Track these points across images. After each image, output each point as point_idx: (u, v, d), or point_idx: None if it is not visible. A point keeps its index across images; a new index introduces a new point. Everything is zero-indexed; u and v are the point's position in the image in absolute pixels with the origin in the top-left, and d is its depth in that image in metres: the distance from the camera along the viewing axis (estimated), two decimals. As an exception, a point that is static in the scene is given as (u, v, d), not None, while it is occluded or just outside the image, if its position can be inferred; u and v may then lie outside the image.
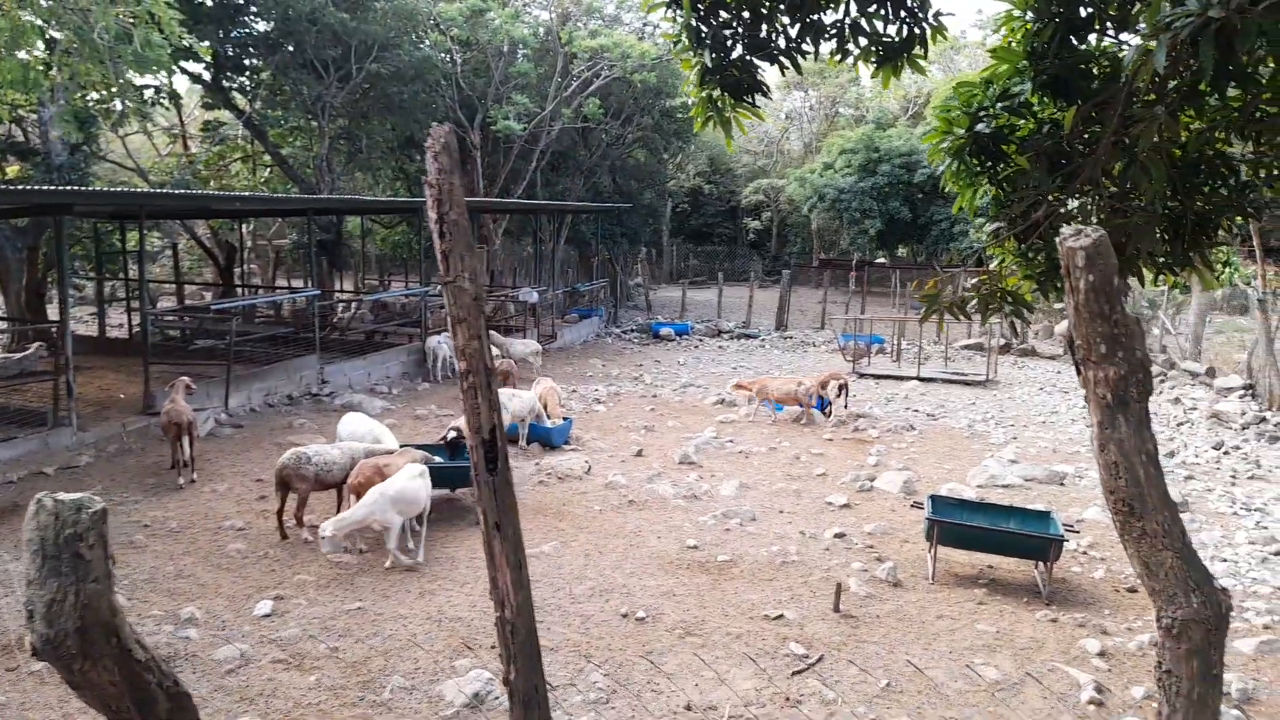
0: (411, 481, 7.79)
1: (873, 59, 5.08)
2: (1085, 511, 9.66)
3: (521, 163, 26.90)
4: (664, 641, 6.45)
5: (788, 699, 5.66)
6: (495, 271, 27.65)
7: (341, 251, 26.76)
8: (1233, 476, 11.34)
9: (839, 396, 14.33)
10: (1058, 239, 2.80)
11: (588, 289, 26.88)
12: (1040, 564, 7.69)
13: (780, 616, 6.84)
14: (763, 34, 4.91)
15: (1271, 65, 4.40)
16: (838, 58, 4.99)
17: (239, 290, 22.54)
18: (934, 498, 8.43)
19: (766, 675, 5.94)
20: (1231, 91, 4.73)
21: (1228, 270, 27.49)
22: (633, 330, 25.01)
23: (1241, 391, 15.95)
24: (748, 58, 4.88)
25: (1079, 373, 2.88)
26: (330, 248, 23.86)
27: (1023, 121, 5.30)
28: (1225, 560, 8.33)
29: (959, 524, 7.79)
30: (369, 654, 6.12)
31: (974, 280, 5.77)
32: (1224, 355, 19.65)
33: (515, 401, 11.24)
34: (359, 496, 7.88)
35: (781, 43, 4.91)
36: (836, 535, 8.67)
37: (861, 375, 18.85)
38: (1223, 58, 4.29)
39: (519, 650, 2.97)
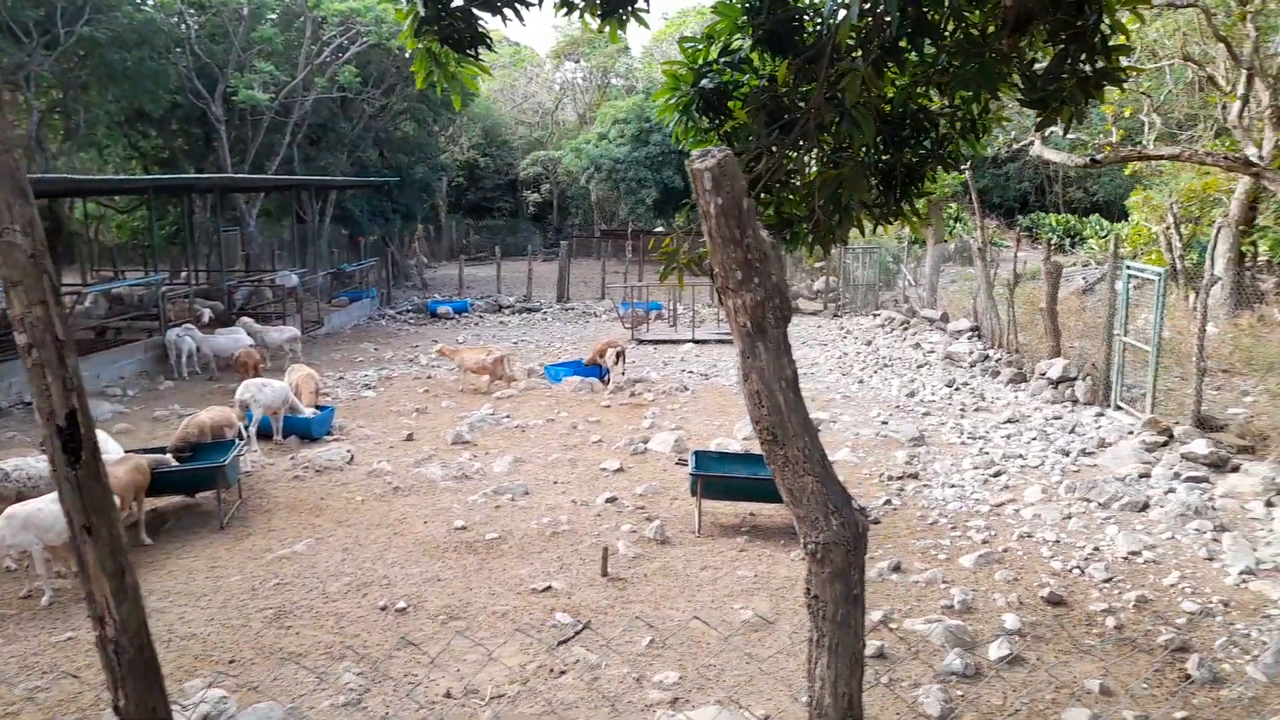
0: (53, 505, 6.75)
1: (597, 12, 4.96)
2: (838, 453, 10.30)
3: (275, 136, 24.93)
4: (426, 629, 6.17)
5: (551, 670, 5.57)
6: (251, 255, 25.59)
7: (64, 240, 23.73)
8: (962, 410, 12.54)
9: (617, 363, 14.48)
10: (688, 165, 2.76)
11: (356, 269, 25.51)
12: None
13: (548, 588, 6.74)
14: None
15: (953, 24, 4.67)
16: (562, 10, 4.83)
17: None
18: (698, 453, 8.66)
19: (532, 650, 5.82)
20: (929, 48, 4.99)
21: (957, 225, 30.50)
22: (409, 311, 24.06)
23: (970, 333, 17.72)
24: (468, 7, 4.59)
25: (720, 302, 2.88)
26: (48, 236, 21.05)
27: (745, 77, 5.37)
28: (954, 485, 9.17)
29: (720, 476, 8.04)
30: (79, 690, 5.38)
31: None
32: (957, 302, 21.72)
33: (265, 392, 10.38)
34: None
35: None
36: (608, 500, 8.71)
37: (641, 341, 19.18)
38: (911, 13, 4.52)
39: (128, 672, 2.56)
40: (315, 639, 6.05)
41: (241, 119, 24.41)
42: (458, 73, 4.89)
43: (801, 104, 5.08)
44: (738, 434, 11.14)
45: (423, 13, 4.48)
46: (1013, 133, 21.12)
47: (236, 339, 15.24)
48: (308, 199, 26.23)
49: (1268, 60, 17.68)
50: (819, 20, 5.04)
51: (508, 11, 4.76)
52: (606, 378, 14.38)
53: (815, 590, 2.86)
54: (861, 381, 14.83)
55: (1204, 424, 10.18)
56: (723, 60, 5.26)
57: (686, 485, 8.66)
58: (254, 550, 7.54)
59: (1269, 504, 8.06)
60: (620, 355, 14.57)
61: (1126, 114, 21.31)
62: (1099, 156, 17.64)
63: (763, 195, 5.59)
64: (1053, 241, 22.76)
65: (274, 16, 25.25)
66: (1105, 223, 32.70)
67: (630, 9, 5.00)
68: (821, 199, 5.17)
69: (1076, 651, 5.77)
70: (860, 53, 4.70)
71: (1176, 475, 8.95)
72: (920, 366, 15.90)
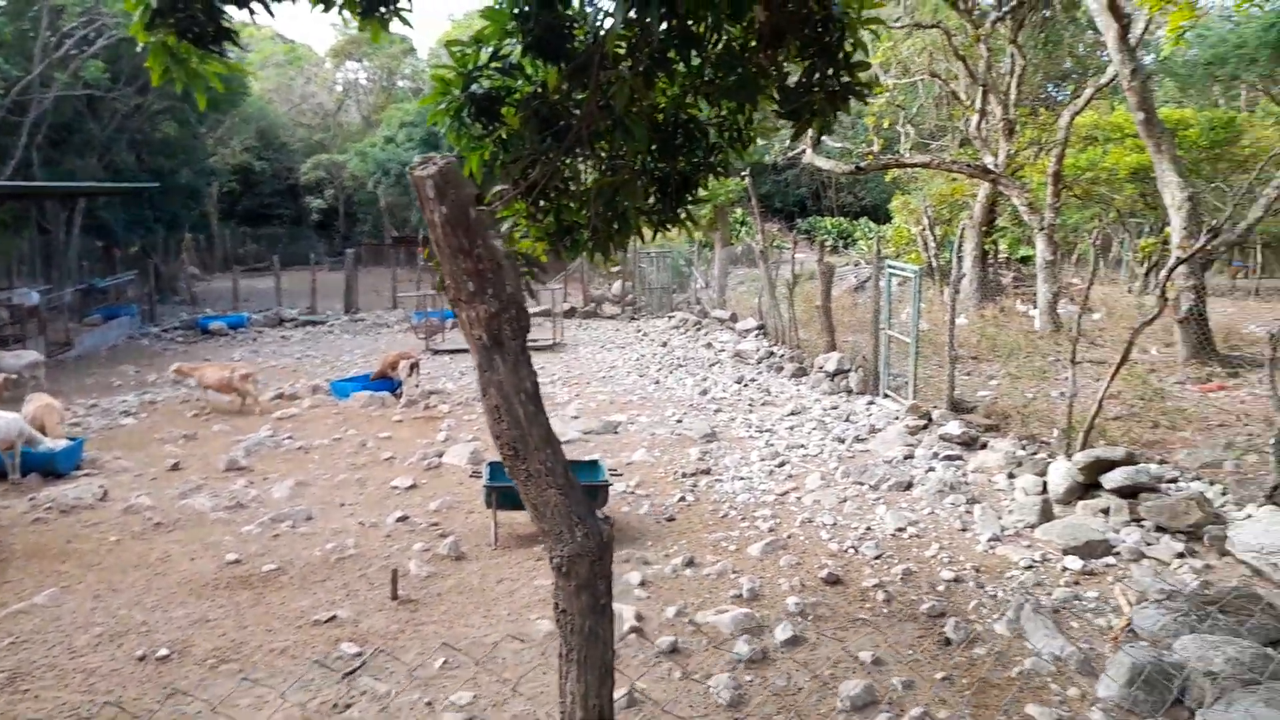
0: None
1: (357, 10, 4.71)
2: (634, 455, 10.49)
3: (8, 138, 22.07)
4: (194, 676, 5.62)
5: (336, 705, 5.24)
6: (-18, 271, 22.55)
7: None
8: (750, 405, 13.14)
9: (410, 375, 13.98)
10: (409, 173, 2.68)
11: (112, 284, 23.09)
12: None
13: (333, 618, 6.35)
14: (228, -27, 4.26)
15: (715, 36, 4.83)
16: (319, 6, 4.53)
17: None
18: (492, 464, 8.48)
19: (315, 686, 5.45)
20: (696, 59, 5.12)
21: (742, 229, 32.04)
22: (177, 328, 22.06)
23: (756, 332, 18.65)
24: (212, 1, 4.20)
25: (455, 316, 2.82)
26: None
27: (518, 83, 5.29)
28: (743, 478, 9.56)
29: (514, 486, 7.90)
30: None
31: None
32: (744, 302, 22.80)
33: (-8, 427, 9.12)
34: None
35: (252, -16, 4.31)
36: (399, 519, 8.35)
37: (436, 352, 18.66)
38: (675, 24, 4.61)
39: None
40: (59, 700, 5.35)
41: (-39, 118, 21.44)
42: (201, 70, 4.48)
43: (575, 111, 5.08)
44: (536, 441, 11.06)
45: (154, 4, 4.06)
46: (787, 141, 22.49)
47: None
48: (52, 207, 23.45)
49: (999, 78, 19.88)
50: (588, 28, 5.05)
51: (255, 5, 4.42)
52: (399, 391, 13.85)
53: (562, 604, 2.84)
54: (658, 382, 15.19)
55: (957, 407, 11.24)
56: (493, 66, 5.15)
57: (482, 498, 8.47)
58: (-19, 609, 6.58)
59: (1010, 475, 9.01)
60: (414, 367, 14.10)
61: (886, 125, 23.25)
62: (862, 164, 19.13)
63: (541, 202, 5.56)
64: (827, 243, 24.39)
65: (2, 3, 22.35)
66: (873, 225, 35.55)
67: (392, 8, 4.80)
68: (598, 206, 5.20)
69: (852, 626, 6.16)
70: (630, 62, 4.76)
71: (935, 455, 9.82)
72: (712, 365, 16.52)
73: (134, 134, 26.21)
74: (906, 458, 9.93)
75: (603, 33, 4.41)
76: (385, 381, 14.13)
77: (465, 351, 18.49)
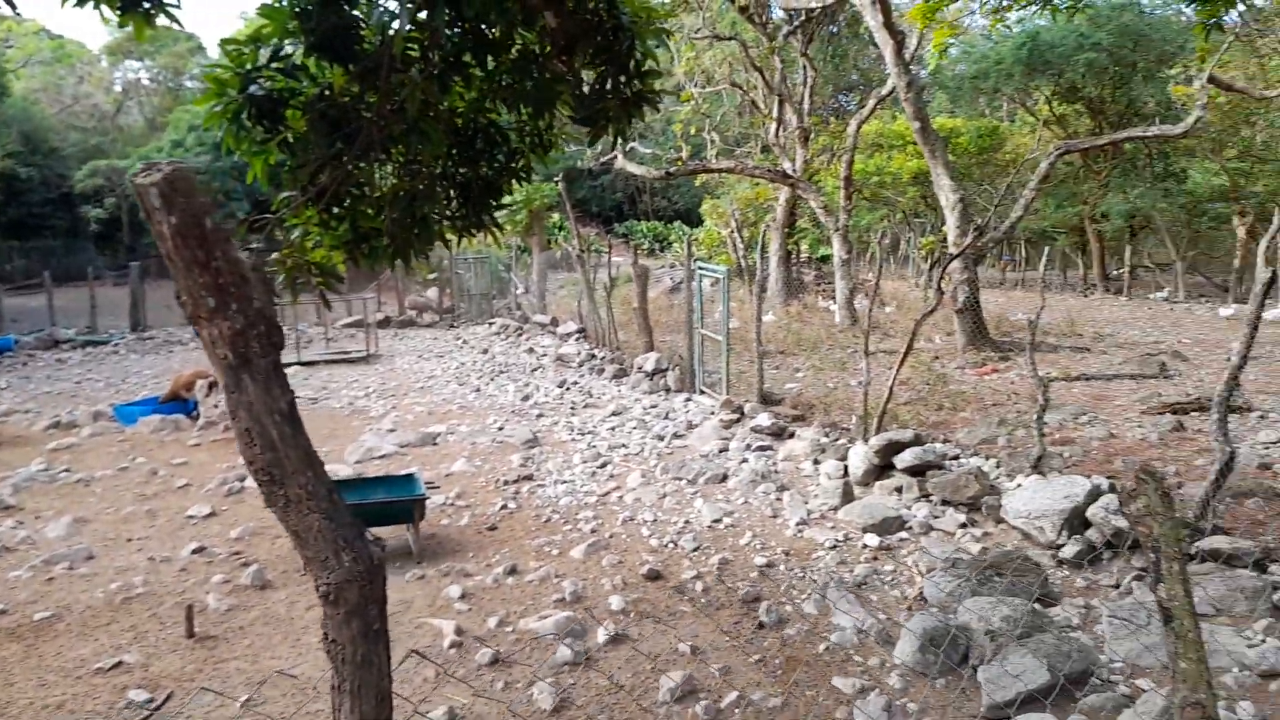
0: None
1: (116, 4, 4.31)
2: (454, 465, 10.27)
3: None
4: (-52, 749, 4.97)
5: (123, 761, 4.79)
6: None
7: None
8: (572, 408, 13.20)
9: (208, 395, 13.00)
10: (132, 180, 2.53)
11: None
12: (409, 526, 7.87)
13: (118, 664, 5.80)
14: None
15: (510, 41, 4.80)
16: (72, 1, 4.11)
17: None
18: (299, 485, 8.05)
19: (98, 742, 4.96)
20: (492, 64, 5.05)
21: (560, 233, 32.18)
22: (-74, 354, 19.48)
23: (577, 335, 18.77)
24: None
25: (197, 333, 2.68)
26: None
27: (303, 85, 5.03)
28: (565, 481, 9.58)
29: (324, 506, 7.53)
30: None
31: (274, 255, 5.42)
32: (565, 306, 22.93)
33: None
34: None
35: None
36: (195, 551, 7.75)
37: (239, 368, 17.48)
38: (467, 28, 4.54)
39: None
40: None
41: None
42: None
43: (366, 114, 4.90)
44: (348, 458, 10.61)
45: None
46: (599, 147, 22.81)
47: None
48: None
49: (794, 89, 21.05)
50: (376, 29, 4.89)
51: None
52: (196, 413, 12.87)
53: (331, 634, 2.73)
54: (479, 390, 14.96)
55: (767, 400, 11.80)
56: (274, 66, 4.88)
57: (290, 520, 8.01)
58: None
59: (815, 462, 9.55)
60: (212, 386, 13.12)
61: (694, 132, 24.08)
62: (672, 169, 19.70)
63: (334, 209, 5.32)
64: (642, 246, 24.92)
65: None
66: (686, 228, 36.68)
67: (157, 3, 4.44)
68: (395, 212, 5.04)
69: (672, 619, 6.31)
70: (422, 65, 4.65)
71: (748, 446, 10.25)
72: (534, 370, 16.47)
73: None
74: (721, 451, 10.30)
75: (390, 34, 4.28)
76: (179, 404, 13.09)
77: (271, 368, 17.51)
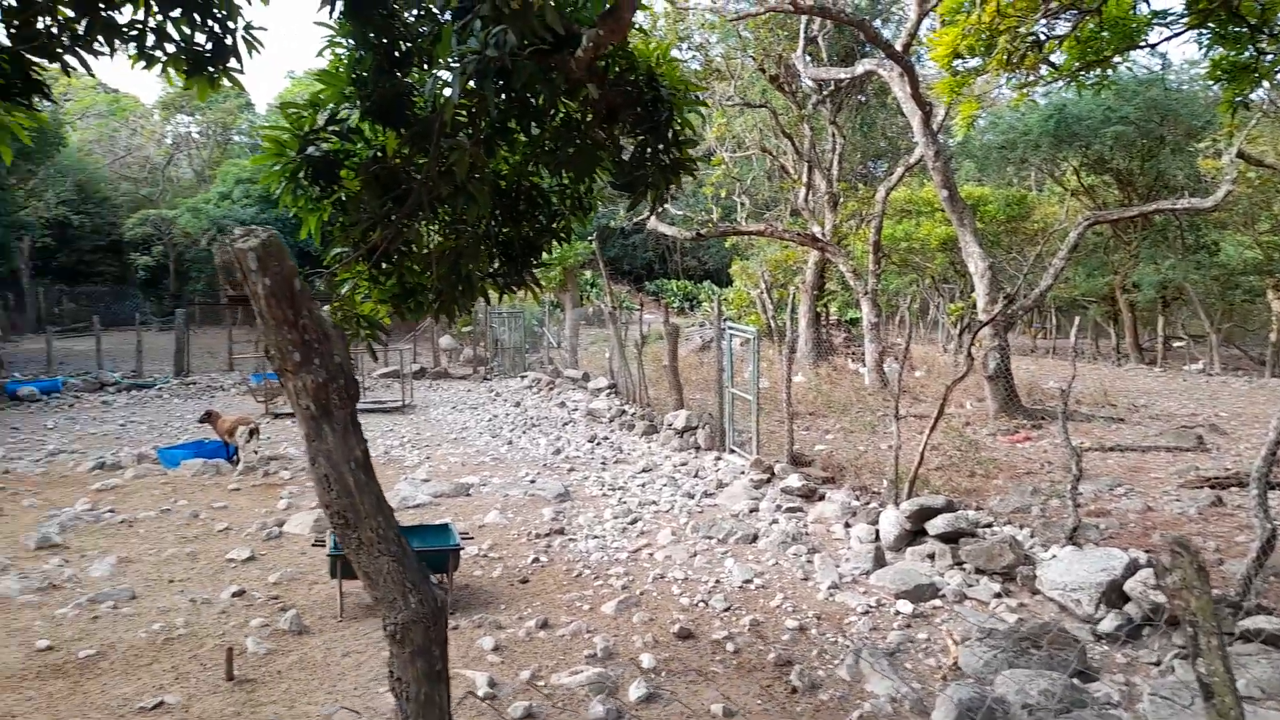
0: None
1: (183, 68, 4.64)
2: (487, 516, 10.39)
3: None
4: (-4, 781, 5.09)
5: (165, 800, 4.87)
6: None
7: None
8: (603, 463, 13.31)
9: (249, 442, 13.29)
10: (229, 244, 2.74)
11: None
12: (442, 577, 7.97)
13: (160, 704, 5.91)
14: (40, 25, 4.12)
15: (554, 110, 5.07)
16: (140, 62, 4.45)
17: None
18: (338, 532, 8.20)
19: (140, 780, 5.05)
20: (536, 130, 5.34)
21: (592, 290, 32.64)
22: (-24, 393, 20.04)
23: (608, 390, 18.95)
24: (16, 50, 4.04)
25: (282, 385, 2.87)
26: None
27: (357, 146, 5.32)
28: (596, 536, 9.66)
29: (362, 554, 7.67)
30: None
31: (325, 307, 5.67)
32: (597, 361, 23.18)
33: None
34: None
35: (66, 38, 4.19)
36: (236, 594, 7.90)
37: (277, 415, 17.84)
38: (514, 97, 4.82)
39: None
40: None
41: None
42: (6, 122, 4.29)
43: (415, 176, 5.17)
44: (384, 507, 10.75)
45: None
46: (627, 208, 23.30)
47: None
48: None
49: (823, 155, 21.46)
50: (427, 96, 5.18)
51: (71, 60, 4.28)
52: (235, 458, 13.14)
53: (397, 672, 2.85)
54: (511, 442, 15.13)
55: (797, 460, 11.84)
56: (330, 129, 5.17)
57: (326, 568, 8.15)
58: None
59: (846, 525, 9.56)
60: (253, 432, 13.42)
61: (724, 195, 24.52)
62: (702, 231, 20.07)
63: (383, 265, 5.57)
64: (674, 305, 25.21)
65: None
66: (716, 288, 37.04)
67: (222, 67, 4.76)
68: (442, 269, 5.28)
69: (704, 679, 6.33)
70: (469, 130, 4.92)
71: (778, 507, 10.28)
72: (565, 424, 16.62)
73: (-72, 182, 23.97)
74: (752, 511, 10.34)
75: (440, 103, 4.54)
76: (220, 448, 13.39)
77: (307, 416, 17.82)
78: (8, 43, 4.05)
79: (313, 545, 8.83)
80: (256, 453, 13.28)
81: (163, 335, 28.37)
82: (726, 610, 7.54)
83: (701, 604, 7.70)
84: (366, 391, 20.85)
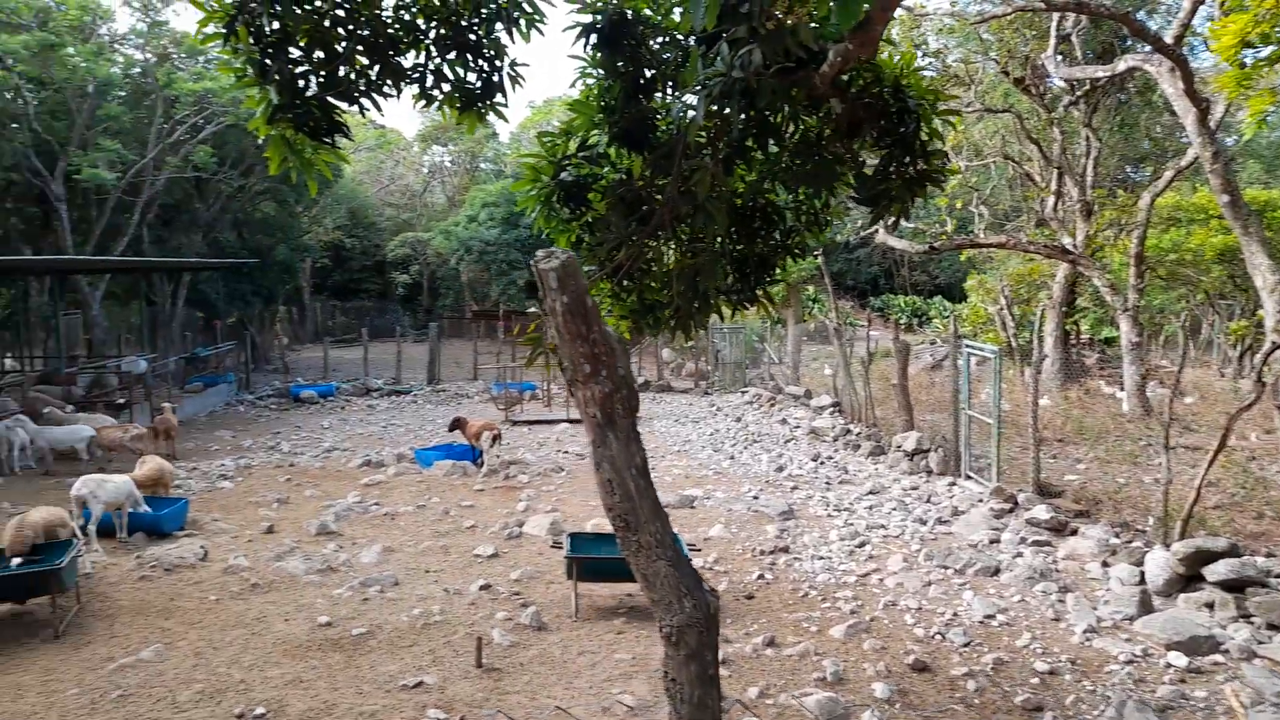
0: None
1: (456, 105, 5.09)
2: (711, 530, 10.48)
3: (122, 217, 23.73)
4: (288, 737, 5.79)
5: (425, 772, 5.32)
6: (95, 340, 23.99)
7: None
8: (827, 483, 13.02)
9: (492, 446, 14.26)
10: (533, 265, 2.89)
11: (212, 354, 24.32)
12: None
13: (420, 684, 6.47)
14: (339, 73, 4.70)
15: (793, 127, 5.06)
16: (420, 102, 4.94)
17: None
18: (573, 535, 8.61)
19: (403, 751, 5.55)
20: (773, 148, 5.36)
21: (815, 306, 32.12)
22: (270, 395, 23.04)
23: (831, 408, 18.53)
24: (323, 97, 4.63)
25: (571, 394, 2.99)
26: None
27: (604, 170, 5.59)
28: (822, 558, 9.45)
29: (595, 558, 8.01)
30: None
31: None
32: (818, 378, 22.74)
33: (105, 488, 9.65)
34: None
35: (361, 84, 4.74)
36: (482, 587, 8.50)
37: (515, 422, 19.04)
38: (754, 116, 4.86)
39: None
40: (162, 757, 5.57)
41: (84, 198, 23.13)
42: (314, 159, 4.88)
43: (658, 196, 5.34)
44: (613, 515, 11.14)
45: (276, 101, 4.47)
46: (860, 221, 22.69)
47: (75, 430, 14.16)
48: (159, 281, 24.98)
49: (1074, 160, 19.80)
50: (670, 119, 5.35)
51: (365, 101, 4.82)
52: (480, 460, 14.17)
53: (672, 673, 2.91)
54: (733, 457, 15.18)
55: (1044, 490, 10.97)
56: (581, 154, 5.46)
57: (563, 569, 8.56)
58: (93, 660, 6.91)
59: (1104, 564, 8.71)
60: (496, 438, 14.40)
61: (959, 206, 23.26)
62: (936, 244, 19.14)
63: (625, 282, 5.80)
64: (901, 322, 24.25)
65: (122, 94, 24.26)
66: (948, 304, 35.17)
67: (489, 103, 5.16)
68: (680, 286, 5.41)
69: (943, 716, 6.00)
70: (710, 150, 5.01)
71: (1023, 540, 9.56)
72: (787, 441, 16.44)
73: (236, 213, 27.86)
74: (992, 542, 9.69)
75: (685, 124, 4.65)
76: (467, 450, 14.49)
77: (544, 422, 18.90)
78: (317, 90, 4.64)
79: (550, 547, 9.31)
80: (499, 457, 14.24)
81: (417, 346, 31.21)
82: (966, 646, 7.11)
83: (938, 636, 7.31)
84: (595, 403, 21.83)
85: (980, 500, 11.20)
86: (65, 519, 8.78)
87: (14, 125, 20.85)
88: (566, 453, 15.65)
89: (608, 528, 10.14)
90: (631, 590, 8.40)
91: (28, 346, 21.39)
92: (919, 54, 19.50)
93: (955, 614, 7.77)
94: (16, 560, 7.75)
